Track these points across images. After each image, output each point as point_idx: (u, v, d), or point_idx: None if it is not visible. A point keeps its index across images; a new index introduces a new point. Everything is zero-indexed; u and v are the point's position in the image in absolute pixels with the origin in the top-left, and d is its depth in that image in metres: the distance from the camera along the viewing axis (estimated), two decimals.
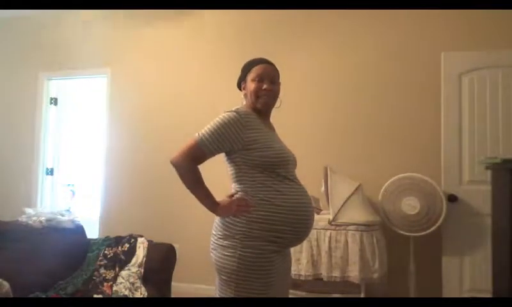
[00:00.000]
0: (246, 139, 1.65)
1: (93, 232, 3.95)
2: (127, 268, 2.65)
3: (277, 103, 1.80)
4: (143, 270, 2.65)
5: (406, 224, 3.12)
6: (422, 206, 3.07)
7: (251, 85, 1.75)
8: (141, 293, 2.47)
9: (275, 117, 1.89)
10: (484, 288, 2.97)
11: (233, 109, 1.69)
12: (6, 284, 2.04)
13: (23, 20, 4.63)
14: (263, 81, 1.73)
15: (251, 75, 1.76)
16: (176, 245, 2.91)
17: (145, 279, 2.61)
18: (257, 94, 1.74)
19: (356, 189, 3.06)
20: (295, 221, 1.65)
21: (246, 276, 1.59)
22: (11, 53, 4.71)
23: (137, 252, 2.75)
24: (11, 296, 2.04)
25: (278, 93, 1.79)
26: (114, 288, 2.47)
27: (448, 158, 3.30)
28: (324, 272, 2.93)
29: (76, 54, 4.46)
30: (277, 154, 1.67)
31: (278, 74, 1.80)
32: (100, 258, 2.74)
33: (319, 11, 3.73)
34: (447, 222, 3.14)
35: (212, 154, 1.67)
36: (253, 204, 1.62)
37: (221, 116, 1.67)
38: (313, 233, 2.97)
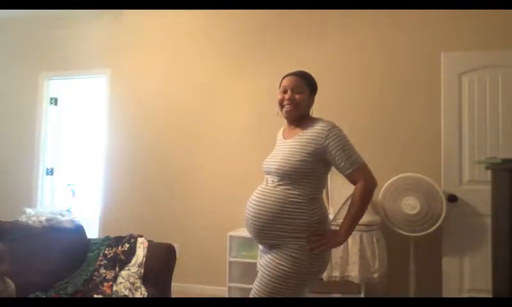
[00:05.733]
0: None
1: (93, 232, 3.95)
2: (127, 268, 2.65)
3: (311, 112, 1.87)
4: (143, 270, 2.65)
5: (406, 224, 3.12)
6: (422, 206, 3.07)
7: (278, 97, 1.87)
8: (141, 293, 2.47)
9: (277, 119, 1.92)
10: (484, 288, 2.97)
11: None
12: (12, 284, 2.05)
13: (23, 20, 4.64)
14: (286, 92, 1.84)
15: (280, 88, 1.88)
16: (176, 245, 2.92)
17: (145, 279, 2.61)
18: (281, 104, 1.86)
19: None
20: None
21: None
22: (11, 53, 4.71)
23: (137, 252, 2.75)
24: (14, 296, 2.04)
25: (301, 101, 1.82)
26: (114, 288, 2.47)
27: (448, 158, 3.30)
28: (324, 272, 2.93)
29: (76, 54, 4.46)
30: (264, 163, 1.87)
31: (305, 83, 1.85)
32: (100, 258, 2.74)
33: (319, 12, 3.73)
34: (447, 222, 3.14)
35: None
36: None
37: None
38: None
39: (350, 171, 1.71)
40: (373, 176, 1.74)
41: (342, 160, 1.71)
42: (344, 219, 1.76)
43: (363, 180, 1.71)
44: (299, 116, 1.84)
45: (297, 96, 1.82)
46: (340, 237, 1.76)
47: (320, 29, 3.78)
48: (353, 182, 1.75)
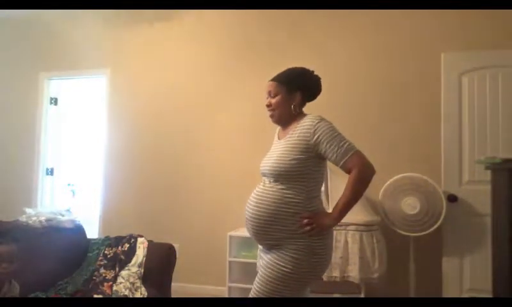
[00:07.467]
0: None
1: (93, 232, 3.95)
2: (127, 268, 2.65)
3: (293, 110, 1.83)
4: (143, 270, 2.65)
5: (406, 224, 3.12)
6: (422, 206, 3.07)
7: None
8: (141, 293, 2.47)
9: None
10: (484, 288, 2.97)
11: None
12: (17, 285, 2.05)
13: (23, 20, 4.64)
14: (267, 99, 1.88)
15: None
16: (176, 245, 2.92)
17: (145, 279, 2.61)
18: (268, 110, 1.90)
19: None
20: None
21: None
22: (11, 53, 4.71)
23: (137, 252, 2.75)
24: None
25: (278, 104, 1.83)
26: (114, 288, 2.47)
27: (448, 158, 3.30)
28: (325, 272, 2.93)
29: (76, 54, 4.46)
30: (260, 164, 1.87)
31: (277, 85, 1.84)
32: (100, 258, 2.74)
33: (317, 12, 3.73)
34: (447, 222, 3.14)
35: None
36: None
37: None
38: None
39: (344, 160, 1.67)
40: (369, 162, 1.69)
41: (334, 152, 1.67)
42: (338, 202, 1.71)
43: (358, 168, 1.66)
44: (286, 117, 1.84)
45: (272, 101, 1.85)
46: (332, 219, 1.70)
47: (322, 30, 3.77)
48: (349, 172, 1.70)
